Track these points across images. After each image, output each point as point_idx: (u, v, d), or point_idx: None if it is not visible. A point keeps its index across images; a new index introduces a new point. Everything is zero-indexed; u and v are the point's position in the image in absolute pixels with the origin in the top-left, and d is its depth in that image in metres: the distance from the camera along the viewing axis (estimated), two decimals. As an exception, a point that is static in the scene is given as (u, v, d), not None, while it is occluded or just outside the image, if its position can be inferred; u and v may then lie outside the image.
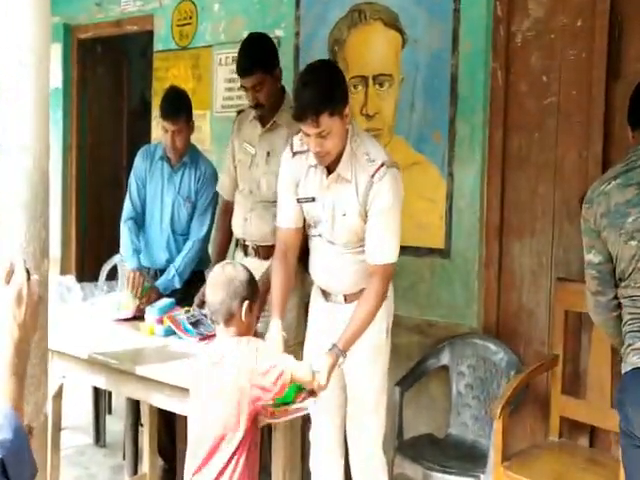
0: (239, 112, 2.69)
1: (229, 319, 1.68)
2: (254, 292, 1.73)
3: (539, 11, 2.67)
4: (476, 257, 2.73)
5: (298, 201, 2.06)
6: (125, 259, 2.83)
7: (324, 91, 1.83)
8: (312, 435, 2.23)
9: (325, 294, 2.14)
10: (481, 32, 2.72)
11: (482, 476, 2.17)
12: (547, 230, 2.64)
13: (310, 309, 2.25)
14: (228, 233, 2.68)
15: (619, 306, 1.76)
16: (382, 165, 1.92)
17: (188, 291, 2.78)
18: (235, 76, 3.52)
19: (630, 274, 1.64)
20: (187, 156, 2.84)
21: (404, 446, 2.44)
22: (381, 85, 3.01)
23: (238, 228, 2.58)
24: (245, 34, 3.43)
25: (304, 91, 1.86)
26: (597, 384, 2.27)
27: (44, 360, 1.90)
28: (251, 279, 1.73)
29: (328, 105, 1.82)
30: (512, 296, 2.71)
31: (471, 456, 2.39)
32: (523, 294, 2.68)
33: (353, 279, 2.05)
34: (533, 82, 2.67)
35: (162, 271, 2.85)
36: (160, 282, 2.76)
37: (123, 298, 2.64)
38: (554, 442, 2.32)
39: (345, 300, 2.09)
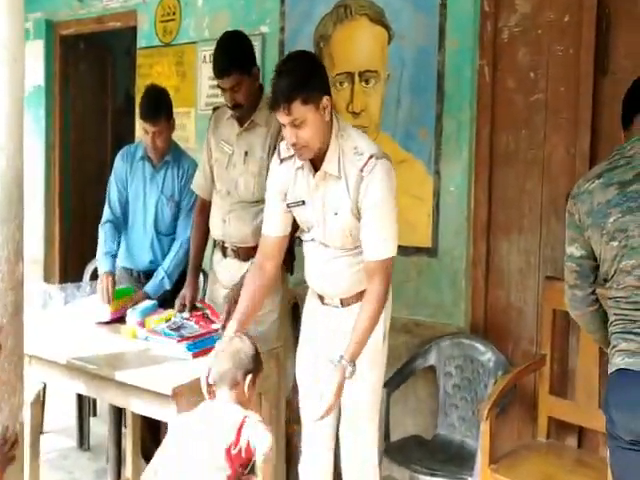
0: (215, 109, 2.63)
1: (233, 386, 1.73)
2: (258, 367, 1.77)
3: (526, 6, 2.64)
4: (463, 256, 2.71)
5: (288, 206, 1.99)
6: (98, 262, 2.77)
7: (297, 79, 1.78)
8: (302, 441, 2.18)
9: (321, 297, 2.09)
10: (468, 28, 2.70)
11: (469, 479, 2.15)
12: (535, 228, 2.61)
13: (305, 311, 2.19)
14: (205, 233, 2.62)
15: (596, 301, 1.74)
16: (371, 157, 1.85)
17: (174, 293, 2.74)
18: (217, 75, 3.53)
19: (613, 275, 1.62)
20: (169, 155, 2.79)
21: (391, 448, 2.41)
22: (367, 82, 2.98)
23: (217, 230, 2.52)
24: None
25: (278, 79, 1.80)
26: (585, 384, 2.24)
27: (19, 366, 1.85)
28: (256, 354, 1.77)
29: (300, 92, 1.76)
30: (500, 295, 2.69)
31: (459, 458, 2.36)
32: (511, 293, 2.66)
33: (349, 283, 1.99)
34: (520, 78, 2.65)
35: (145, 272, 2.80)
36: (150, 287, 2.70)
37: (99, 302, 2.57)
38: (542, 443, 2.30)
39: (341, 304, 2.03)
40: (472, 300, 2.71)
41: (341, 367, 1.81)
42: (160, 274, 2.71)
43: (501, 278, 2.68)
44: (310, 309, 2.15)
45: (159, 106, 2.70)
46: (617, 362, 1.58)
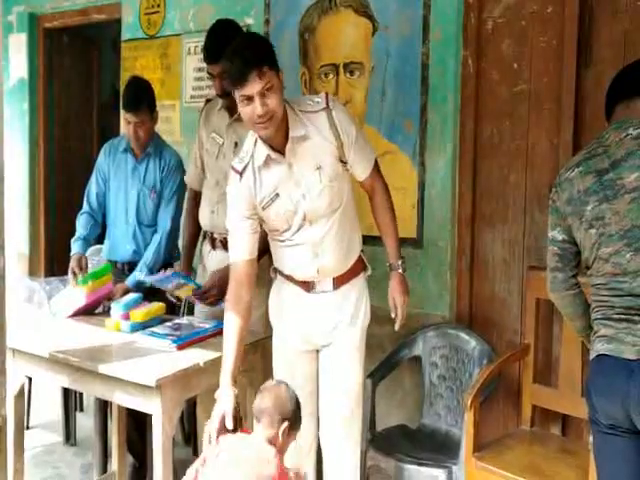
0: (207, 101, 2.64)
1: (268, 425, 1.72)
2: (296, 420, 1.76)
3: (510, -3, 2.65)
4: (448, 246, 2.72)
5: (263, 209, 1.96)
6: (72, 245, 2.77)
7: (261, 47, 1.85)
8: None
9: (308, 286, 2.05)
10: (452, 19, 2.69)
11: (454, 467, 2.16)
12: (519, 218, 2.63)
13: (279, 301, 2.14)
14: (197, 224, 2.64)
15: (577, 285, 1.76)
16: (326, 95, 1.96)
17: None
18: (205, 65, 3.50)
19: (593, 262, 1.64)
20: (151, 146, 2.78)
21: (377, 438, 2.42)
22: (352, 73, 2.97)
23: (205, 220, 2.53)
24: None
25: (243, 51, 1.81)
26: (568, 373, 2.26)
27: (1, 360, 1.84)
28: (297, 408, 1.77)
29: (267, 57, 1.82)
30: (485, 285, 2.70)
31: (444, 446, 2.37)
32: (495, 283, 2.67)
33: (340, 256, 2.01)
34: (504, 70, 2.66)
35: (130, 263, 2.79)
36: (131, 280, 2.69)
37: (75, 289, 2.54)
38: (526, 431, 2.32)
39: (334, 286, 2.03)
40: (457, 290, 2.72)
41: (395, 270, 2.10)
42: (141, 268, 2.70)
43: (486, 268, 2.69)
44: (292, 298, 2.09)
45: (141, 97, 2.70)
46: (597, 348, 1.60)
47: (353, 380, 2.06)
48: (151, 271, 2.69)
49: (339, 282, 2.04)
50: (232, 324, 1.92)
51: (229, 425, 1.76)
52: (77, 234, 2.80)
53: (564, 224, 1.71)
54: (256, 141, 1.95)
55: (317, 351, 2.12)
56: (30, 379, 2.76)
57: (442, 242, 2.72)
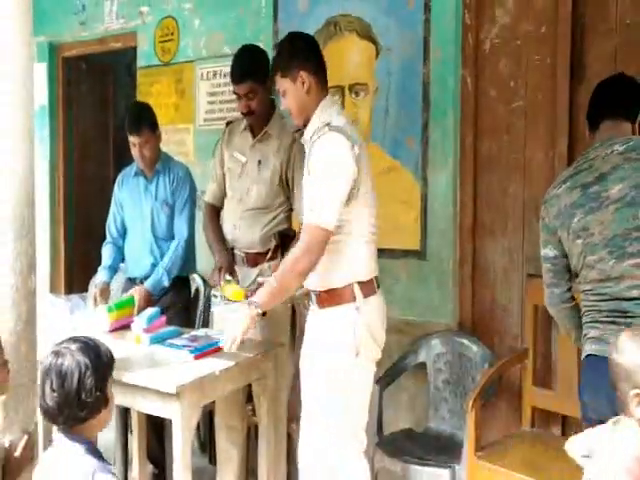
0: (228, 123, 2.79)
1: None
2: None
3: (505, 19, 2.77)
4: (451, 257, 2.82)
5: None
6: (98, 273, 2.94)
7: (279, 57, 2.15)
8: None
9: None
10: (451, 40, 2.82)
11: (457, 467, 2.25)
12: (517, 228, 2.73)
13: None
14: (219, 227, 2.69)
15: (572, 299, 1.86)
16: (326, 125, 1.98)
17: (174, 298, 2.87)
18: (217, 89, 3.67)
19: (581, 269, 1.75)
20: (159, 164, 2.94)
21: (384, 441, 2.52)
22: (357, 94, 3.10)
23: (227, 235, 2.65)
24: (225, 49, 3.58)
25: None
26: (566, 375, 2.35)
27: (33, 370, 1.98)
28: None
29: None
30: (486, 293, 2.80)
31: (448, 448, 2.46)
32: (496, 291, 2.77)
33: (321, 269, 1.99)
34: (501, 87, 2.77)
35: (147, 278, 2.90)
36: (149, 282, 2.82)
37: (100, 313, 2.66)
38: (526, 432, 2.41)
39: (318, 303, 2.05)
40: (460, 299, 2.82)
41: (251, 305, 1.96)
42: (159, 270, 2.83)
43: (487, 277, 2.79)
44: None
45: (141, 118, 2.86)
46: (587, 349, 1.71)
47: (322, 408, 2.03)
48: (169, 274, 2.82)
49: (323, 301, 2.03)
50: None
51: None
52: (103, 263, 2.95)
53: (554, 239, 1.82)
54: None
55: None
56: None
57: (445, 253, 2.83)
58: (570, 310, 1.88)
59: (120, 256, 3.03)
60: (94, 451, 1.55)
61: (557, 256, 1.83)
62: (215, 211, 2.73)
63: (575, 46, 2.58)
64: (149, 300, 2.75)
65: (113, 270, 2.97)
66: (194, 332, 2.54)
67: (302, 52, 2.13)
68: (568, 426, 2.48)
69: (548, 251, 1.84)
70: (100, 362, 1.53)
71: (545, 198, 1.85)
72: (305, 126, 2.11)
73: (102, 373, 1.52)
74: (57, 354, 1.51)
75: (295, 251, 1.95)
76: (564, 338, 2.38)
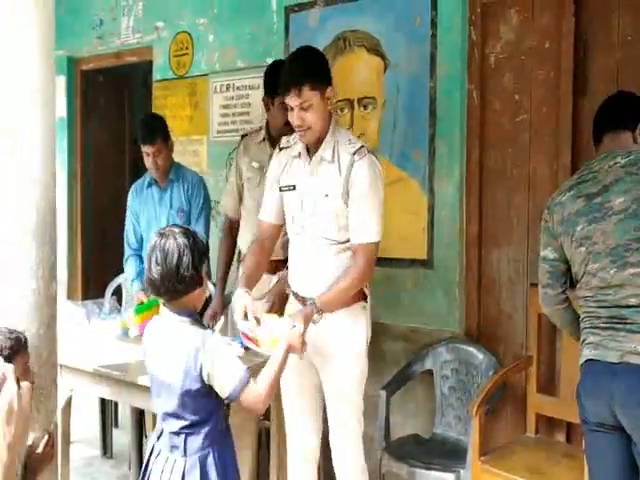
0: (243, 137, 2.88)
1: None
2: None
3: (510, 34, 2.83)
4: (457, 266, 2.88)
5: (280, 190, 2.19)
6: (130, 287, 3.03)
7: (307, 66, 2.05)
8: (288, 443, 2.31)
9: (304, 302, 2.15)
10: (457, 55, 2.89)
11: (462, 471, 2.31)
12: (522, 239, 2.79)
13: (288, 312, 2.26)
14: (232, 251, 2.83)
15: (565, 300, 1.94)
16: (362, 147, 2.09)
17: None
18: (230, 102, 3.77)
19: (582, 277, 1.81)
20: (172, 173, 3.03)
21: (391, 446, 2.57)
22: (365, 107, 3.18)
23: (245, 244, 2.71)
24: (238, 63, 3.68)
25: (290, 66, 2.07)
26: (570, 382, 2.39)
27: (54, 372, 2.06)
28: None
29: (309, 78, 2.01)
30: (491, 302, 2.85)
31: (454, 453, 2.52)
32: (502, 300, 2.83)
33: (331, 280, 2.09)
34: (506, 101, 2.83)
35: None
36: None
37: (129, 317, 2.77)
38: (530, 438, 2.46)
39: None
40: (466, 307, 2.87)
41: (310, 307, 2.01)
42: None
43: (492, 286, 2.85)
44: (292, 311, 2.19)
45: (154, 128, 2.97)
46: (586, 354, 1.77)
47: (354, 403, 2.15)
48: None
49: None
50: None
51: (250, 315, 1.96)
52: (131, 277, 3.05)
53: (555, 244, 1.89)
54: None
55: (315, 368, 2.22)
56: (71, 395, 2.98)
57: (451, 262, 2.89)
58: (564, 311, 1.96)
59: (142, 265, 3.08)
60: (199, 322, 1.78)
61: (556, 259, 1.90)
62: (232, 227, 2.81)
63: (578, 61, 2.64)
64: None
65: (141, 277, 3.02)
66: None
67: (327, 67, 2.14)
68: (573, 433, 2.52)
69: (548, 253, 1.91)
70: (196, 245, 1.71)
71: (549, 204, 1.91)
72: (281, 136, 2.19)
73: (197, 254, 1.71)
74: (162, 235, 1.73)
75: (359, 267, 2.05)
76: (568, 346, 2.44)
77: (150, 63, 4.21)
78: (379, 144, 3.12)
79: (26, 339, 1.82)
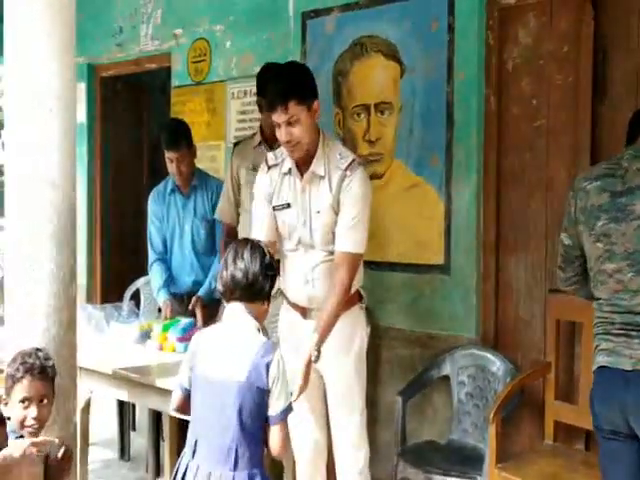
0: (235, 145, 2.91)
1: None
2: None
3: (528, 39, 2.82)
4: (474, 272, 2.86)
5: (274, 209, 2.18)
6: (156, 296, 3.03)
7: (291, 81, 2.05)
8: (294, 448, 2.32)
9: (303, 311, 2.20)
10: (474, 61, 2.88)
11: (479, 478, 2.29)
12: (540, 245, 2.77)
13: (283, 323, 2.30)
14: None
15: (577, 282, 1.96)
16: (354, 161, 2.12)
17: (213, 311, 2.94)
18: (247, 108, 3.80)
19: (595, 274, 1.79)
20: (195, 180, 3.05)
21: (407, 452, 2.56)
22: (382, 113, 3.18)
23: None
24: (255, 69, 3.68)
25: (275, 83, 2.07)
26: (588, 390, 2.33)
27: (73, 374, 2.10)
28: None
29: (295, 93, 2.02)
30: (509, 308, 2.83)
31: (471, 460, 2.49)
32: (519, 306, 2.81)
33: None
34: (524, 106, 2.82)
35: (189, 294, 3.01)
36: (202, 291, 2.92)
37: (155, 329, 2.79)
38: (549, 445, 2.43)
39: None
40: (483, 313, 2.85)
41: (308, 352, 2.00)
42: (209, 280, 2.94)
43: (509, 292, 2.83)
44: (289, 322, 2.26)
45: (178, 134, 2.99)
46: (598, 360, 1.76)
47: (355, 405, 2.20)
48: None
49: None
50: None
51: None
52: (157, 285, 3.02)
53: (572, 230, 1.88)
54: None
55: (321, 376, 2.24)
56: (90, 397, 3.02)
57: (468, 268, 2.87)
58: (576, 290, 2.01)
59: (168, 271, 3.09)
60: (264, 331, 1.81)
61: (570, 245, 1.90)
62: (231, 234, 2.82)
63: (597, 65, 2.62)
64: (204, 308, 2.84)
65: (168, 286, 3.04)
66: None
67: (313, 81, 2.15)
68: (591, 441, 2.49)
69: (564, 237, 1.92)
70: (272, 265, 1.78)
71: (575, 185, 1.88)
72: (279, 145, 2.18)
73: (272, 273, 1.78)
74: (247, 240, 1.83)
75: (342, 279, 2.07)
76: (587, 353, 2.41)
77: (168, 70, 4.26)
78: (396, 149, 3.12)
79: (46, 372, 1.80)
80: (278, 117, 2.04)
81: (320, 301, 2.16)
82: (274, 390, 1.65)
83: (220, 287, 1.77)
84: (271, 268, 1.76)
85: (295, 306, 2.23)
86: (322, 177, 2.12)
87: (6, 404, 1.76)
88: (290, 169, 2.16)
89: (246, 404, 1.64)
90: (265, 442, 1.70)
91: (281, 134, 2.06)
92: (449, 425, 2.76)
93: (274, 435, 1.66)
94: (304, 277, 2.17)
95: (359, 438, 2.23)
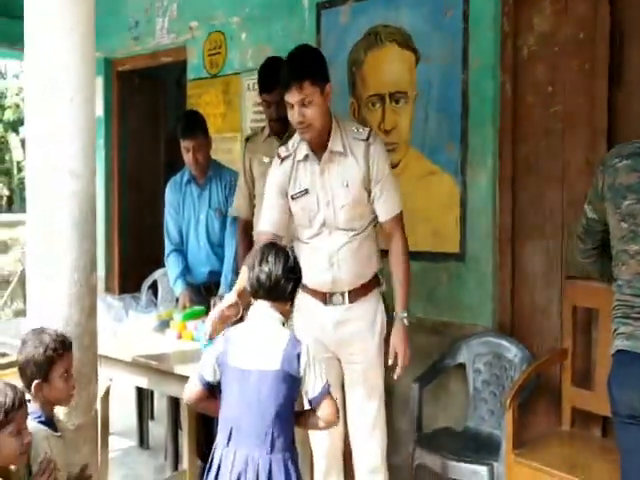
0: (247, 139, 2.93)
1: None
2: None
3: (543, 26, 2.80)
4: (490, 260, 2.86)
5: (292, 198, 2.18)
6: (173, 287, 3.05)
7: (306, 63, 2.08)
8: (314, 454, 2.36)
9: (326, 297, 2.20)
10: (489, 48, 2.87)
11: (495, 464, 2.30)
12: (556, 231, 2.75)
13: (303, 311, 2.27)
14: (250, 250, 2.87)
15: (594, 255, 1.96)
16: (371, 130, 2.19)
17: None
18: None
19: (617, 253, 1.77)
20: (211, 170, 3.07)
21: (423, 439, 2.57)
22: (397, 102, 3.18)
23: None
24: (271, 61, 3.71)
25: (290, 63, 2.09)
26: (606, 376, 2.35)
27: (94, 360, 2.14)
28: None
29: (310, 74, 2.04)
30: (525, 295, 2.82)
31: (487, 447, 2.50)
32: (535, 293, 2.80)
33: (357, 269, 2.17)
34: (540, 92, 2.80)
35: (205, 284, 3.04)
36: (222, 289, 2.93)
37: (175, 318, 2.79)
38: (565, 431, 2.43)
39: (349, 299, 2.18)
40: (499, 301, 2.85)
41: (399, 319, 2.14)
42: (225, 275, 2.96)
43: (526, 280, 2.82)
44: (308, 310, 2.24)
45: (195, 124, 3.02)
46: (617, 344, 1.74)
47: (375, 389, 2.24)
48: (235, 272, 2.93)
49: (354, 296, 2.19)
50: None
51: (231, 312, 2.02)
52: (174, 275, 3.05)
53: (598, 206, 1.86)
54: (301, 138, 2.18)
55: (339, 360, 2.28)
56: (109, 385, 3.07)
57: (484, 255, 2.87)
58: (593, 263, 2.01)
59: (185, 262, 3.11)
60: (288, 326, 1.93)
61: (594, 219, 1.89)
62: (247, 228, 2.83)
63: (613, 50, 2.60)
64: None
65: (185, 277, 3.06)
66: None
67: (326, 65, 2.15)
68: (609, 427, 2.47)
69: (589, 210, 1.91)
70: (295, 269, 1.87)
71: (604, 161, 1.85)
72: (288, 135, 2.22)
73: (295, 276, 1.87)
74: (273, 244, 1.92)
75: (402, 244, 2.20)
76: (604, 339, 2.40)
77: (184, 63, 4.28)
78: (411, 138, 3.12)
79: (71, 343, 1.91)
80: (292, 97, 2.04)
81: (344, 283, 2.18)
82: (309, 376, 1.75)
83: (248, 287, 1.86)
84: (294, 271, 1.84)
85: (315, 292, 2.22)
86: (342, 153, 2.14)
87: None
88: (306, 155, 2.17)
89: (280, 391, 1.74)
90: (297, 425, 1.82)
91: (294, 115, 2.07)
92: (465, 412, 2.77)
93: (324, 408, 1.76)
94: (329, 259, 2.17)
95: (377, 425, 2.24)
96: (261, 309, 1.84)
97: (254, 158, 2.80)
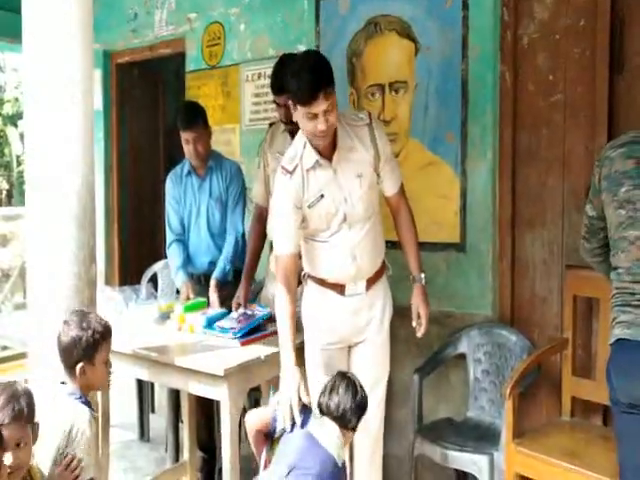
0: (271, 124, 2.90)
1: None
2: None
3: (544, 14, 2.78)
4: (490, 249, 2.86)
5: (309, 207, 2.12)
6: (174, 278, 3.05)
7: (325, 70, 2.05)
8: None
9: (343, 289, 2.20)
10: (489, 37, 2.85)
11: (495, 453, 2.30)
12: (557, 221, 2.75)
13: (313, 304, 2.27)
14: (262, 239, 2.85)
15: (600, 254, 1.95)
16: (369, 113, 2.20)
17: (232, 290, 2.88)
18: (262, 90, 3.80)
19: (616, 241, 1.76)
20: (211, 160, 3.06)
21: (424, 429, 2.58)
22: (397, 92, 3.17)
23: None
24: (270, 51, 3.70)
25: (311, 74, 1.99)
26: (606, 365, 2.36)
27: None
28: None
29: (331, 81, 2.05)
30: (525, 285, 2.82)
31: (487, 436, 2.51)
32: (536, 283, 2.79)
33: (374, 256, 2.24)
34: (540, 81, 2.79)
35: (206, 275, 3.03)
36: (218, 273, 2.93)
37: (176, 310, 2.77)
38: (566, 421, 2.43)
39: (366, 288, 2.21)
40: (499, 291, 2.84)
41: (418, 282, 2.24)
42: (222, 262, 2.95)
43: (526, 269, 2.82)
44: (325, 302, 2.23)
45: (194, 115, 2.99)
46: (617, 333, 1.73)
47: (383, 372, 2.29)
48: (232, 263, 2.94)
49: (370, 283, 2.23)
50: (286, 310, 2.12)
51: (304, 398, 1.97)
52: (175, 265, 3.02)
53: (596, 201, 1.86)
54: (305, 145, 2.14)
55: (349, 347, 2.30)
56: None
57: (484, 245, 2.87)
58: (598, 263, 2.00)
59: (186, 252, 3.10)
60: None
61: (594, 217, 1.89)
62: (262, 214, 2.82)
63: (614, 39, 2.58)
64: (220, 289, 2.86)
65: (186, 268, 3.05)
66: (242, 310, 2.62)
67: (330, 65, 2.12)
68: (609, 416, 2.47)
69: (589, 209, 1.92)
70: (363, 403, 1.98)
71: (601, 155, 1.85)
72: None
73: (362, 409, 1.97)
74: (344, 374, 2.01)
75: (409, 214, 2.31)
76: (604, 328, 2.40)
77: (183, 55, 4.26)
78: (411, 128, 3.11)
79: (111, 329, 1.94)
80: (318, 106, 1.97)
81: (364, 273, 2.21)
82: None
83: (317, 405, 1.95)
84: (362, 407, 1.92)
85: (334, 285, 2.21)
86: (351, 147, 2.14)
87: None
88: (316, 161, 2.11)
89: None
90: None
91: (318, 124, 2.00)
92: (466, 402, 2.77)
93: None
94: (351, 253, 2.16)
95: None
96: (324, 425, 1.92)
97: (271, 149, 2.78)
